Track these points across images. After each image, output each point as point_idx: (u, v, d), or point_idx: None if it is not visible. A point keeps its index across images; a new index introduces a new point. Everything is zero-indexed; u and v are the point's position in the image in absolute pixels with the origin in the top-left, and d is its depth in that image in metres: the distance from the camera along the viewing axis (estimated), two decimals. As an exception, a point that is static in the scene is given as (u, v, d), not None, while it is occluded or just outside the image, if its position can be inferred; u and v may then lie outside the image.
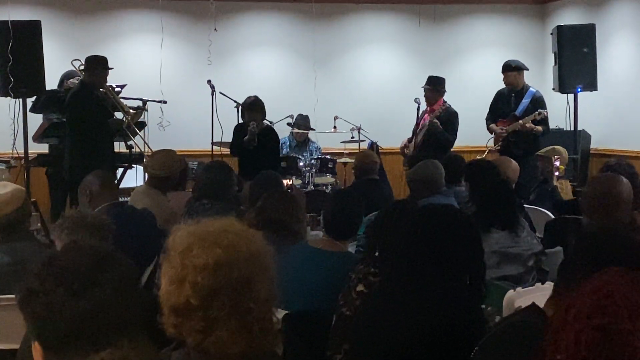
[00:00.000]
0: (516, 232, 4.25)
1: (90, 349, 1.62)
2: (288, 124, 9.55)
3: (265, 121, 8.14)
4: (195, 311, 1.89)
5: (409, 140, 8.72)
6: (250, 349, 1.90)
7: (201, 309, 1.88)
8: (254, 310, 1.92)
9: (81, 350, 1.63)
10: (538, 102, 8.19)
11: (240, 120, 8.36)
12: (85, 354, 1.60)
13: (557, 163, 6.73)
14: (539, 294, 2.98)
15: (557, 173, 6.73)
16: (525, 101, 8.23)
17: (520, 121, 8.10)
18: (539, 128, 8.08)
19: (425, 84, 8.55)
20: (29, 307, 1.67)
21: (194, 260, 1.90)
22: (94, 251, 1.76)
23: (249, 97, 8.09)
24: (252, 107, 7.93)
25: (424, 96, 8.58)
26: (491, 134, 8.51)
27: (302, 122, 9.58)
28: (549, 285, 3.08)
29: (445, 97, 8.58)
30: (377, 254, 3.46)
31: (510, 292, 3.25)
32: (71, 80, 8.29)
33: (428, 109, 8.54)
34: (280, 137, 9.30)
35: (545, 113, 8.04)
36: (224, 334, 1.89)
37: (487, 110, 8.62)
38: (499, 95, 8.55)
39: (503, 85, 8.46)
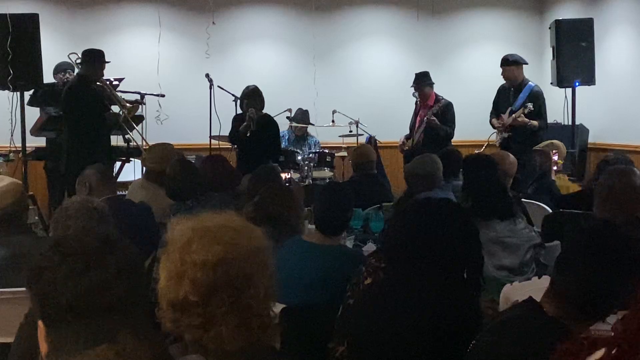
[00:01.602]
0: (514, 222, 4.25)
1: (90, 331, 1.65)
2: (287, 117, 9.54)
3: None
4: (194, 307, 1.88)
5: (407, 138, 8.72)
6: (249, 345, 1.90)
7: (200, 306, 1.88)
8: (254, 307, 1.91)
9: (81, 332, 1.66)
10: (534, 97, 8.17)
11: (239, 112, 8.34)
12: (85, 338, 1.64)
13: (555, 157, 6.73)
14: (536, 287, 2.98)
15: (555, 167, 6.72)
16: (522, 96, 8.22)
17: (514, 115, 8.10)
18: (534, 122, 8.04)
19: (413, 83, 8.57)
20: (35, 284, 1.73)
21: (193, 256, 1.89)
22: (100, 235, 1.80)
23: (248, 86, 8.08)
24: (252, 95, 7.92)
25: (417, 94, 8.60)
26: (494, 129, 8.52)
27: (301, 117, 9.58)
28: (545, 280, 3.09)
29: (443, 91, 8.59)
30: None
31: (507, 286, 3.26)
32: (59, 74, 8.29)
33: (422, 104, 8.55)
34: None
35: (530, 107, 8.00)
36: (222, 330, 1.88)
37: (486, 104, 8.64)
38: (501, 90, 8.55)
39: (502, 80, 8.46)
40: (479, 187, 4.51)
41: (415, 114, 8.68)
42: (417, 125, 8.53)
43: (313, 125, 9.71)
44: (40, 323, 1.73)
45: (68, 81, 7.89)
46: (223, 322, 1.88)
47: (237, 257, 1.91)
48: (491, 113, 8.57)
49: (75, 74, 7.95)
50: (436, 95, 8.50)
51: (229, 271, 1.89)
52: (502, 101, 8.43)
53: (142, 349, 1.46)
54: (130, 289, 1.72)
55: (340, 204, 4.05)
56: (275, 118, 8.39)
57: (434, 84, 8.56)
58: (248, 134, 7.72)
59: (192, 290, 1.87)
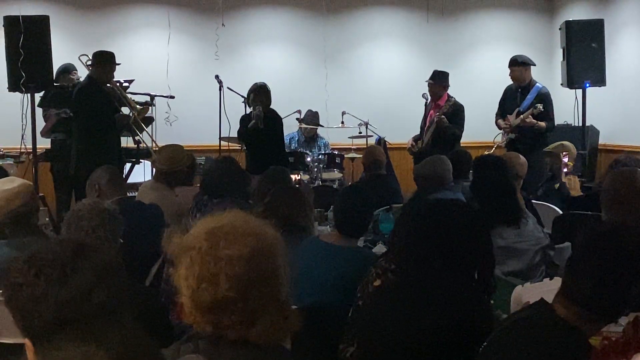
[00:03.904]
0: (521, 226, 4.22)
1: (79, 339, 1.61)
2: (297, 119, 9.54)
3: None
4: (235, 303, 1.88)
5: (415, 140, 8.69)
6: (259, 345, 1.90)
7: (240, 301, 1.88)
8: (284, 296, 1.94)
9: (70, 341, 1.62)
10: (542, 98, 8.14)
11: (247, 112, 8.35)
12: (75, 345, 1.60)
13: (566, 159, 6.70)
14: (548, 289, 2.97)
15: (565, 169, 6.69)
16: (530, 97, 8.19)
17: (521, 116, 8.07)
18: (542, 124, 8.00)
19: (429, 79, 8.54)
20: (14, 302, 1.71)
21: (226, 252, 1.90)
22: (71, 242, 1.79)
23: (256, 83, 8.10)
24: (259, 91, 7.92)
25: (429, 91, 8.58)
26: (499, 130, 8.50)
27: (310, 119, 9.58)
28: (556, 281, 3.08)
29: (453, 92, 8.57)
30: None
31: (519, 288, 3.25)
32: (65, 75, 8.29)
33: (433, 104, 8.53)
34: (288, 132, 9.30)
35: (540, 107, 7.97)
36: (267, 322, 1.89)
37: (496, 105, 8.62)
38: (507, 91, 8.53)
39: (511, 81, 8.44)
40: (487, 189, 4.48)
41: (426, 114, 8.66)
42: (427, 125, 8.52)
43: (323, 126, 9.70)
44: (26, 341, 1.70)
45: (78, 82, 7.91)
46: (266, 313, 1.90)
47: (266, 247, 1.94)
48: (497, 114, 8.55)
49: (86, 75, 7.96)
50: (448, 95, 8.48)
51: (266, 261, 1.92)
52: (509, 102, 8.41)
53: (132, 351, 1.45)
54: (111, 291, 1.71)
55: (361, 207, 4.05)
56: (284, 120, 8.40)
57: (449, 86, 8.54)
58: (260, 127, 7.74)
59: (230, 286, 1.88)
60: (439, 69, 8.72)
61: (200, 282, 1.90)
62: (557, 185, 6.63)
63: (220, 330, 1.91)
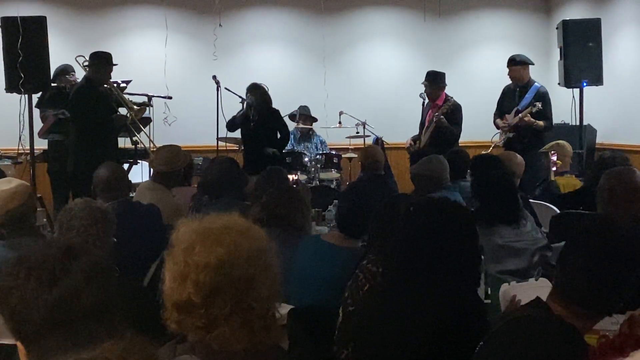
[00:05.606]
0: (520, 225, 4.24)
1: (70, 340, 1.64)
2: (288, 115, 9.52)
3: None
4: (197, 308, 1.90)
5: (413, 139, 8.69)
6: (252, 345, 1.91)
7: (203, 307, 1.90)
8: (256, 308, 1.93)
9: (61, 342, 1.65)
10: (540, 97, 8.15)
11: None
12: (65, 347, 1.62)
13: (554, 157, 6.68)
14: (533, 287, 3.01)
15: (554, 168, 6.67)
16: (528, 96, 8.21)
17: (520, 115, 8.08)
18: (540, 123, 8.02)
19: (425, 80, 8.55)
20: (5, 304, 1.71)
21: (195, 258, 1.91)
22: (60, 244, 1.80)
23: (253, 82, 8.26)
24: (252, 88, 8.20)
25: (425, 92, 8.58)
26: (498, 129, 8.51)
27: (302, 112, 9.59)
28: (542, 281, 3.12)
29: (450, 92, 8.57)
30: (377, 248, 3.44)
31: (505, 286, 3.25)
32: (62, 77, 8.29)
33: (431, 104, 8.53)
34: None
35: (539, 106, 7.99)
36: (225, 331, 1.90)
37: (493, 104, 8.63)
38: (506, 91, 8.54)
39: (508, 80, 8.45)
40: (488, 188, 4.49)
41: (424, 113, 8.66)
42: (426, 124, 8.52)
43: (316, 120, 9.69)
44: (18, 344, 1.71)
45: (76, 83, 7.91)
46: (226, 323, 1.90)
47: (238, 259, 1.92)
48: (495, 113, 8.56)
49: (83, 76, 7.97)
50: (446, 95, 8.49)
51: (231, 273, 1.91)
52: (507, 101, 8.43)
53: (123, 351, 1.45)
54: (101, 292, 1.71)
55: (364, 207, 4.04)
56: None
57: (446, 86, 8.54)
58: (252, 125, 7.80)
59: (195, 291, 1.89)
60: (434, 69, 8.73)
61: (173, 280, 1.94)
62: (549, 185, 6.63)
63: (183, 330, 1.93)
